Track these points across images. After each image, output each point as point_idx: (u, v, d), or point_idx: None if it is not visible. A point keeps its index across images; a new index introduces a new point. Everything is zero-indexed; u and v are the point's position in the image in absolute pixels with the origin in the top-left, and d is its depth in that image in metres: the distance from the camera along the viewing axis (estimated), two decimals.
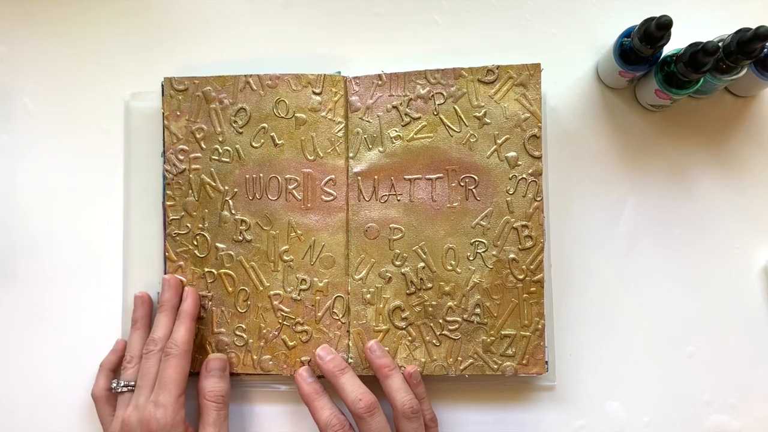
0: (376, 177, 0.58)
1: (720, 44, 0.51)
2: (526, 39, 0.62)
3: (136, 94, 0.61)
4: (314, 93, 0.58)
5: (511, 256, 0.56)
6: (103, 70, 0.63)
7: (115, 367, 0.58)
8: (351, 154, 0.58)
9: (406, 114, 0.58)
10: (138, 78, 0.62)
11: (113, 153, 0.62)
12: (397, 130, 0.58)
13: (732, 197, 0.60)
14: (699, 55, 0.51)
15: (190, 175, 0.59)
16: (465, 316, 0.56)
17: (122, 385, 0.55)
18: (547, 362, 0.57)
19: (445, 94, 0.57)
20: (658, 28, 0.51)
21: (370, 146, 0.58)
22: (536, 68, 0.57)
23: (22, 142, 0.63)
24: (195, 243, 0.58)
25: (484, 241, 0.57)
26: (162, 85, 0.59)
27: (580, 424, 0.59)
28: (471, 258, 0.57)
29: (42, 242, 0.62)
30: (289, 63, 0.62)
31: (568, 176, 0.61)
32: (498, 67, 0.57)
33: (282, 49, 0.63)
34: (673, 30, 0.51)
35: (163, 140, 0.59)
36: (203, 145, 0.59)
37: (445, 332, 0.56)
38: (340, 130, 0.58)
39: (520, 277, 0.56)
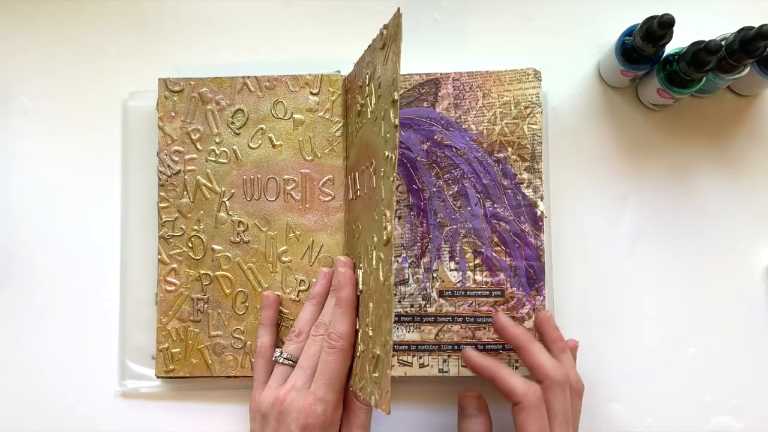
0: (351, 174, 0.57)
1: (722, 43, 0.51)
2: (527, 38, 0.62)
3: (134, 93, 0.61)
4: (311, 93, 0.58)
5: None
6: (101, 69, 0.63)
7: (275, 322, 0.56)
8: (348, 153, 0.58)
9: (360, 105, 0.54)
10: (136, 77, 0.62)
11: (111, 152, 0.62)
12: (357, 122, 0.55)
13: (734, 197, 0.60)
14: (701, 54, 0.51)
15: (185, 177, 0.58)
16: None
17: (284, 357, 0.53)
18: None
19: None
20: (660, 27, 0.51)
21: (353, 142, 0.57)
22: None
23: (19, 141, 0.63)
24: (190, 245, 0.58)
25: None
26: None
27: (582, 426, 0.58)
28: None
29: (39, 242, 0.61)
30: (288, 62, 0.62)
31: (569, 175, 0.60)
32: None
33: (281, 48, 0.62)
34: (675, 29, 0.51)
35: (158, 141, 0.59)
36: (199, 146, 0.58)
37: None
38: (338, 130, 0.58)
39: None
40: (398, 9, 0.46)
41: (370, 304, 0.48)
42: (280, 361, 0.53)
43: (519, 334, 0.52)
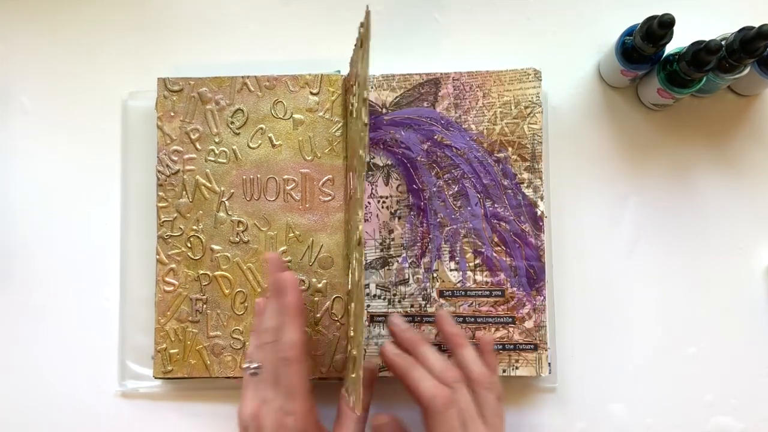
0: (349, 174, 0.57)
1: (723, 43, 0.51)
2: (527, 38, 0.62)
3: (134, 93, 0.61)
4: (311, 93, 0.58)
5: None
6: (101, 69, 0.63)
7: None
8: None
9: (351, 104, 0.55)
10: (136, 77, 0.62)
11: (111, 152, 0.62)
12: (350, 121, 0.55)
13: (735, 196, 0.60)
14: (701, 54, 0.51)
15: (184, 176, 0.58)
16: None
17: (252, 367, 0.50)
18: (549, 364, 0.56)
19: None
20: (660, 27, 0.50)
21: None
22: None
23: (19, 141, 0.63)
24: (189, 245, 0.58)
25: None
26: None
27: (582, 426, 0.58)
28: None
29: (39, 242, 0.61)
30: (288, 62, 0.61)
31: (569, 175, 0.60)
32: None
33: (281, 48, 0.62)
34: (675, 28, 0.51)
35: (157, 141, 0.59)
36: (198, 146, 0.58)
37: None
38: (338, 130, 0.58)
39: None
40: (367, 7, 0.45)
41: (352, 305, 0.48)
42: (249, 372, 0.51)
43: (408, 338, 0.52)
